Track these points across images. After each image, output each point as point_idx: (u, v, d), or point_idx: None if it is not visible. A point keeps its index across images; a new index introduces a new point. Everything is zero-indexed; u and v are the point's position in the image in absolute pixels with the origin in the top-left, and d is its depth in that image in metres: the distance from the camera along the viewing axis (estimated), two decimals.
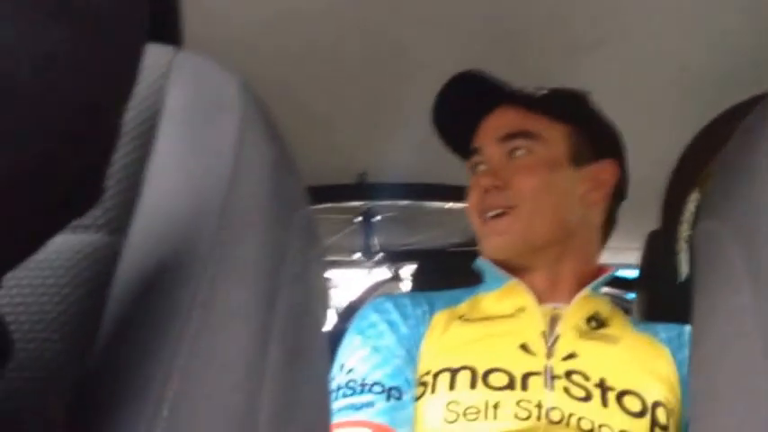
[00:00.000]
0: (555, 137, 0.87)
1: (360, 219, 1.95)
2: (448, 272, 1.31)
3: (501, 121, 0.89)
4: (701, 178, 0.98)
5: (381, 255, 2.21)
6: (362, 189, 1.66)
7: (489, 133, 0.89)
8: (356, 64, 1.13)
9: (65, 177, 0.21)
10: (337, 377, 0.80)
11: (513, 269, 0.87)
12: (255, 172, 0.37)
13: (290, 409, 0.33)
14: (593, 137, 0.89)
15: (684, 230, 1.00)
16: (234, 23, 0.97)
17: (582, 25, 1.02)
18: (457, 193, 1.59)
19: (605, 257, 0.94)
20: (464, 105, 0.91)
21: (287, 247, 0.37)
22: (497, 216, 0.85)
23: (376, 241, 2.06)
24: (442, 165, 1.53)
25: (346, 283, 3.08)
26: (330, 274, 2.76)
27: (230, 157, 0.36)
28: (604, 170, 0.89)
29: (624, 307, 0.90)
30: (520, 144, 0.86)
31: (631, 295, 1.20)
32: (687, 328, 0.86)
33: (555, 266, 0.87)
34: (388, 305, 0.86)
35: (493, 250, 0.87)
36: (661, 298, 1.11)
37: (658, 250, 1.13)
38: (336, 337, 0.89)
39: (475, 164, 0.91)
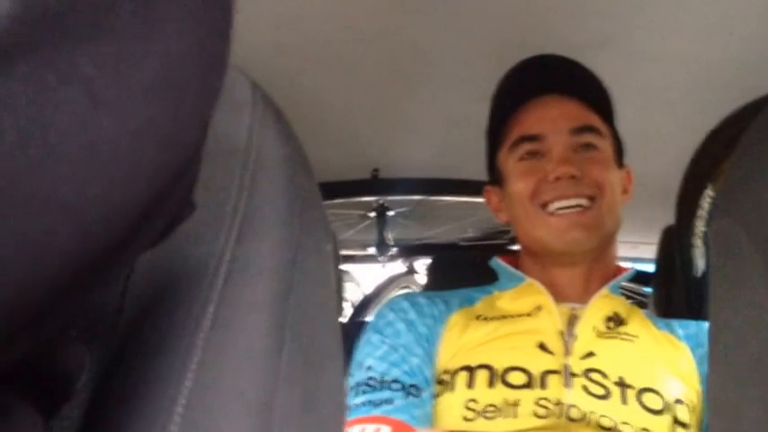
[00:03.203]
0: (607, 136, 0.88)
1: (373, 214, 1.96)
2: (462, 266, 1.31)
3: (565, 111, 0.86)
4: (716, 174, 0.97)
5: (395, 249, 2.21)
6: (376, 185, 1.66)
7: (558, 123, 0.86)
8: (369, 61, 1.13)
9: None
10: (356, 374, 0.81)
11: (553, 263, 0.86)
12: (268, 169, 0.37)
13: (305, 403, 0.33)
14: (620, 143, 0.91)
15: (699, 226, 1.00)
16: (247, 21, 0.98)
17: (591, 23, 1.01)
18: (469, 187, 1.60)
19: (622, 251, 0.94)
20: (525, 88, 0.89)
21: (301, 243, 0.37)
22: (579, 209, 0.82)
23: (390, 236, 2.06)
24: (454, 160, 1.53)
25: (361, 278, 3.09)
26: (345, 268, 2.78)
27: (242, 156, 0.37)
28: (628, 176, 0.92)
29: (640, 301, 0.89)
30: (591, 139, 0.86)
31: (648, 289, 1.20)
32: (706, 324, 0.85)
33: (593, 263, 0.87)
34: (405, 304, 0.87)
35: (573, 243, 0.83)
36: (676, 293, 1.10)
37: (673, 245, 1.13)
38: (352, 329, 0.90)
39: (530, 151, 0.87)
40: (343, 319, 2.14)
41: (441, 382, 0.80)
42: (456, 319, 0.85)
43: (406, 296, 0.90)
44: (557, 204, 0.83)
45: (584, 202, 0.82)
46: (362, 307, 2.45)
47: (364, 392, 0.78)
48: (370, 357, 0.82)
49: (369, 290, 2.64)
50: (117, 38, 0.18)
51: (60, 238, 0.18)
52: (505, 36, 1.05)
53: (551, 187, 0.83)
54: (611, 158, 0.88)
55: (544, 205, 0.84)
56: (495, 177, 0.94)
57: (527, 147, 0.87)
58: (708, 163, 0.97)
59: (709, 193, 0.96)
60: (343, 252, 2.35)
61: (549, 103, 0.87)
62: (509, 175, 0.89)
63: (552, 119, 0.86)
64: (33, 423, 0.23)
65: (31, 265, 0.18)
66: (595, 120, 0.87)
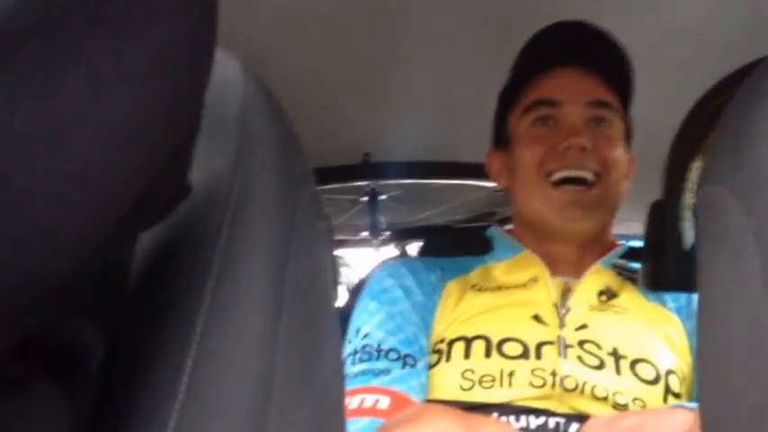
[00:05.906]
0: (620, 116, 0.88)
1: (365, 198, 1.96)
2: (453, 248, 1.32)
3: (584, 84, 0.86)
4: (704, 145, 0.98)
5: (388, 233, 2.22)
6: (367, 169, 1.67)
7: (575, 94, 0.85)
8: (360, 45, 1.13)
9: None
10: (352, 341, 0.81)
11: (548, 238, 0.87)
12: (261, 149, 0.38)
13: (304, 373, 0.34)
14: (630, 128, 0.91)
15: (688, 199, 1.00)
16: (236, 5, 0.97)
17: None
18: (459, 170, 1.60)
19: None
20: (549, 56, 0.88)
21: (294, 222, 0.38)
22: (582, 187, 0.82)
23: (382, 220, 2.07)
24: (444, 143, 1.53)
25: (355, 262, 3.11)
26: (339, 252, 2.79)
27: (235, 136, 0.37)
28: (632, 162, 0.91)
29: (630, 276, 0.91)
30: (606, 114, 0.86)
31: (636, 264, 1.21)
32: (695, 297, 0.86)
33: (590, 241, 0.87)
34: (403, 270, 0.87)
35: (570, 220, 0.83)
36: (665, 267, 1.11)
37: (662, 219, 1.13)
38: (347, 313, 0.90)
39: (544, 117, 0.86)
40: (339, 304, 2.15)
41: (437, 352, 0.80)
42: (452, 288, 0.85)
43: (403, 262, 0.90)
44: (562, 173, 0.82)
45: (589, 176, 0.82)
46: (358, 291, 2.46)
47: (361, 360, 0.78)
48: (367, 324, 0.82)
49: (363, 274, 2.65)
50: (115, 25, 0.19)
51: (70, 218, 0.19)
52: (496, 15, 1.05)
53: (559, 156, 0.83)
54: (621, 138, 0.87)
55: (549, 174, 0.83)
56: (501, 140, 0.93)
57: (541, 111, 0.86)
58: (695, 134, 0.98)
59: (696, 164, 0.97)
60: (336, 237, 2.36)
61: (569, 73, 0.87)
62: (518, 139, 0.88)
63: (570, 88, 0.86)
64: (53, 397, 0.24)
65: (42, 246, 0.18)
66: (612, 98, 0.87)
